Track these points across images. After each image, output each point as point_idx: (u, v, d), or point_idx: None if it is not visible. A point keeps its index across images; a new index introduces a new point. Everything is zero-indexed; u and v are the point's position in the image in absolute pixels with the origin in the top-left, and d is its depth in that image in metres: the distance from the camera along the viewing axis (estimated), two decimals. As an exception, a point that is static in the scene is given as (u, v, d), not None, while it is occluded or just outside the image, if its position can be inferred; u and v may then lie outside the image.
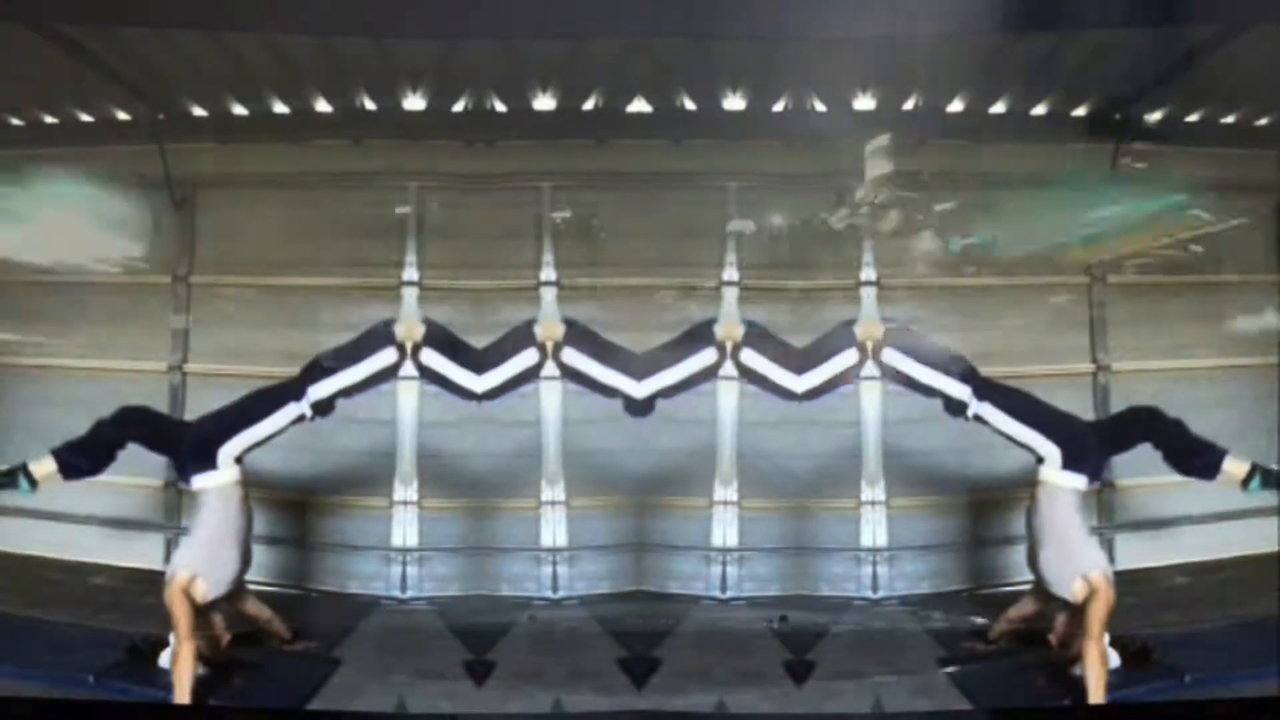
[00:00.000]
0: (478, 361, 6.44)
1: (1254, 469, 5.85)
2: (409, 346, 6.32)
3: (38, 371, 7.62)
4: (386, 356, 6.25)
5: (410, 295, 7.44)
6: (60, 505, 7.04)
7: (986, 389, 6.12)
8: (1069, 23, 6.08)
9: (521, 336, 6.55)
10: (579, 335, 6.57)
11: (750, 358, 6.48)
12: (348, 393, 6.21)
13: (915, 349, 6.31)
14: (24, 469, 5.81)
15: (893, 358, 6.29)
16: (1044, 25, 6.11)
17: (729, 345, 6.50)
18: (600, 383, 6.54)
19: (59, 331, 7.63)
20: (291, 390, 6.08)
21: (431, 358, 6.37)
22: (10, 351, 7.61)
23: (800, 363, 6.45)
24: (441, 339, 6.45)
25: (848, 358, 6.40)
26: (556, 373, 7.30)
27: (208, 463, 5.84)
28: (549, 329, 6.56)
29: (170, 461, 6.71)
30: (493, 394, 6.49)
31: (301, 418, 6.07)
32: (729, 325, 6.62)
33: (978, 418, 6.11)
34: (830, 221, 7.35)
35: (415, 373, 7.27)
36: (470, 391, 6.45)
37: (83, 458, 5.89)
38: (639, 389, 6.48)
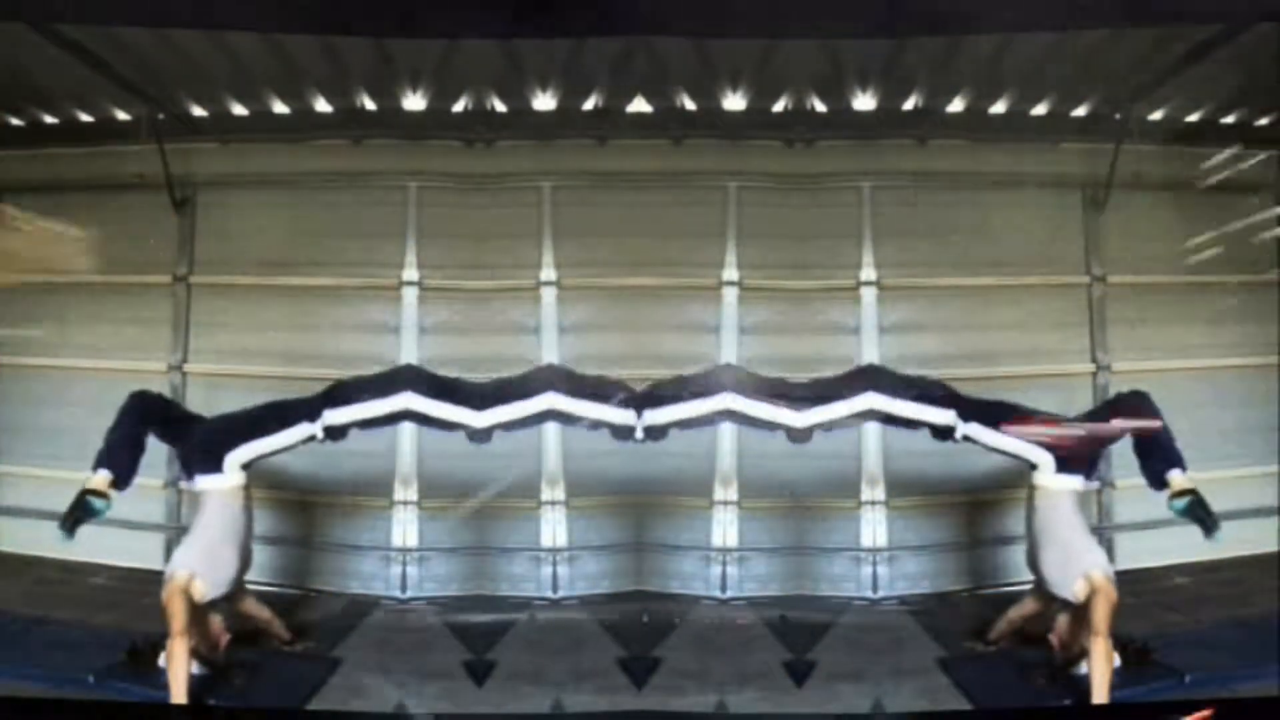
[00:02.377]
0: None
1: (1189, 492, 5.74)
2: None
3: (38, 371, 7.62)
4: (406, 400, 6.13)
5: (410, 295, 7.45)
6: (62, 505, 7.03)
7: (969, 408, 6.05)
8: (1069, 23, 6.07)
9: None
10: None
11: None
12: (362, 425, 6.11)
13: (894, 387, 6.17)
14: (88, 492, 5.75)
15: (874, 400, 6.13)
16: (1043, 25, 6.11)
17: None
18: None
19: (59, 331, 7.63)
20: (307, 409, 6.02)
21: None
22: (11, 351, 7.61)
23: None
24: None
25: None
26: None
27: (213, 465, 5.84)
28: None
29: (175, 454, 6.69)
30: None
31: (312, 438, 6.02)
32: None
33: (966, 438, 6.05)
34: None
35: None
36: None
37: (121, 457, 5.84)
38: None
